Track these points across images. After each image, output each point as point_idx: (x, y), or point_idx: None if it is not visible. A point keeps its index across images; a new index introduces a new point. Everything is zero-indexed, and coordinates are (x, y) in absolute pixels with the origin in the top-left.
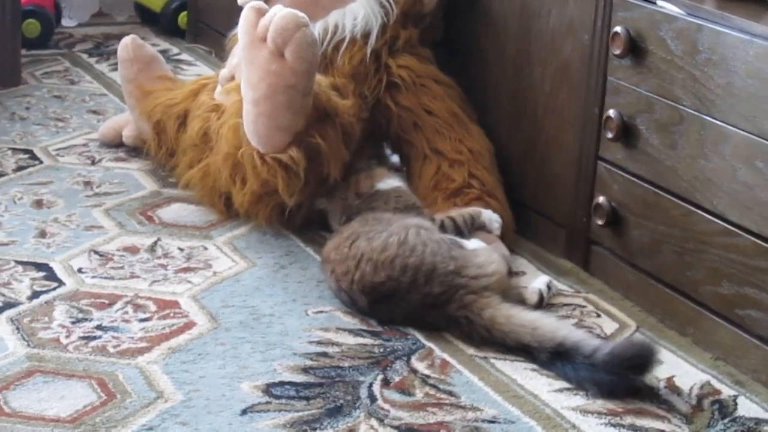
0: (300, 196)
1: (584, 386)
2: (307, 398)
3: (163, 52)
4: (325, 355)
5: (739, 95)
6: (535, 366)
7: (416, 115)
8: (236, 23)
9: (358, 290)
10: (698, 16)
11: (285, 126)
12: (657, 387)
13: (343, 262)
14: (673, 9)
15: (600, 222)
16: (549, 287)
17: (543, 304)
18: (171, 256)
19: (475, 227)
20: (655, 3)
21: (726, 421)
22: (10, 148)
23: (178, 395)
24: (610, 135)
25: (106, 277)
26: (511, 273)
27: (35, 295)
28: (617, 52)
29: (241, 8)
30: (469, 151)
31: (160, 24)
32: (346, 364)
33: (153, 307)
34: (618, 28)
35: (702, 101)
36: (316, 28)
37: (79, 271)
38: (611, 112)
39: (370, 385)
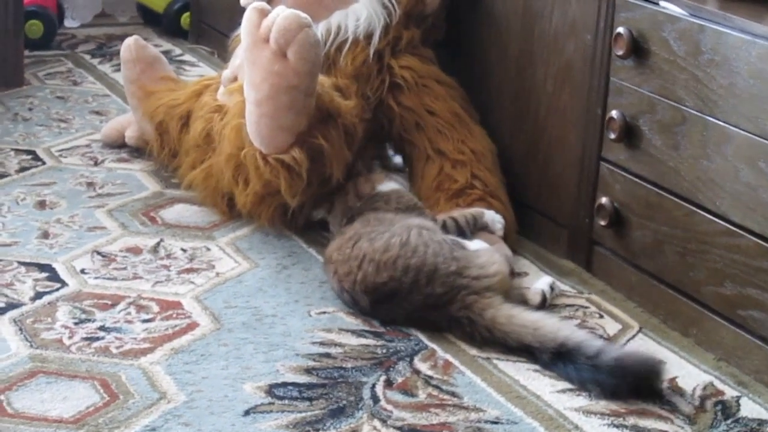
0: (302, 196)
1: (587, 387)
2: (310, 399)
3: (166, 52)
4: (327, 356)
5: (741, 96)
6: (537, 367)
7: (418, 116)
8: (239, 24)
9: (360, 291)
10: (701, 16)
11: (287, 127)
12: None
13: (346, 263)
14: (675, 10)
15: (602, 223)
16: (552, 288)
17: (546, 305)
18: (174, 257)
19: (477, 228)
20: (657, 4)
21: (729, 421)
22: (13, 149)
23: (181, 396)
24: (612, 135)
25: (108, 278)
26: (514, 274)
27: (38, 296)
28: (620, 52)
29: (243, 9)
30: (471, 152)
31: (163, 25)
32: (349, 365)
33: (156, 308)
34: (621, 29)
35: (704, 102)
36: (319, 29)
37: (82, 271)
38: (614, 113)
39: (373, 385)
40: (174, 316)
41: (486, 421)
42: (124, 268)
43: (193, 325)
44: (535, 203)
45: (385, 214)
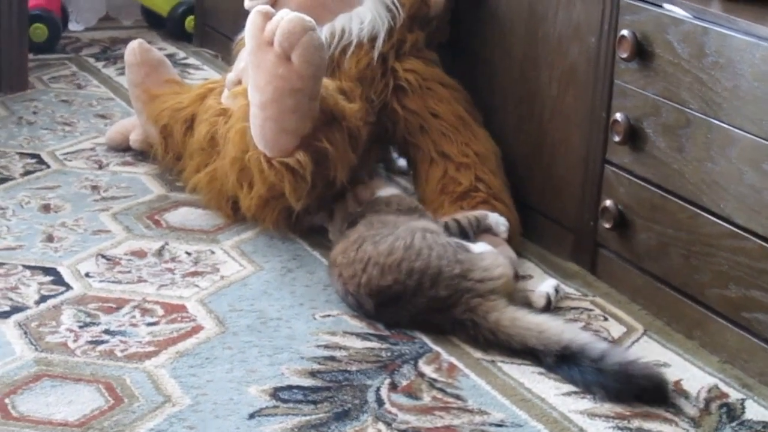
0: (307, 199)
1: (591, 390)
2: (314, 402)
3: (170, 56)
4: (332, 359)
5: (745, 98)
6: (542, 369)
7: (422, 119)
8: (243, 27)
9: (364, 293)
10: (705, 19)
11: (292, 130)
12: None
13: (350, 266)
14: (679, 12)
15: (607, 225)
16: (557, 291)
17: (550, 307)
18: (178, 260)
19: (480, 230)
20: (661, 6)
21: (734, 424)
22: (17, 153)
23: (186, 399)
24: (616, 138)
25: (113, 282)
26: (518, 276)
27: (43, 299)
28: (624, 55)
29: (247, 12)
30: (475, 155)
31: (167, 28)
32: (354, 368)
33: (160, 311)
34: (625, 32)
35: (709, 104)
36: (323, 32)
37: (87, 275)
38: (618, 116)
39: (378, 388)
40: (179, 319)
41: (490, 424)
42: (129, 272)
43: (197, 329)
44: (540, 206)
45: (388, 216)
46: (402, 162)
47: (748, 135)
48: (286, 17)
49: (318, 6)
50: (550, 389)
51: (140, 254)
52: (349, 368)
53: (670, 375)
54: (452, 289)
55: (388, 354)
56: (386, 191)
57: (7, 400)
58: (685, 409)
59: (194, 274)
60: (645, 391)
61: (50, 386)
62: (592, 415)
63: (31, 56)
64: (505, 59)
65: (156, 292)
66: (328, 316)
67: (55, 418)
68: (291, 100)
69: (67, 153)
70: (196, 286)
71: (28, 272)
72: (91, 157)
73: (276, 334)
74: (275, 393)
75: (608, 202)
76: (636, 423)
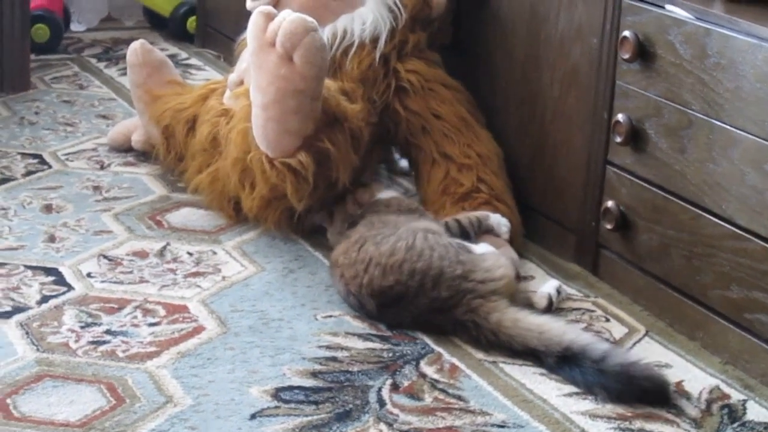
0: (309, 200)
1: (592, 390)
2: (316, 403)
3: (172, 56)
4: (334, 359)
5: (747, 99)
6: (543, 370)
7: (424, 120)
8: (245, 28)
9: (366, 294)
10: (707, 20)
11: (294, 130)
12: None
13: (352, 266)
14: (681, 13)
15: (609, 226)
16: (559, 291)
17: (552, 308)
18: (180, 261)
19: (482, 230)
20: (663, 7)
21: (735, 425)
22: (19, 153)
23: (188, 400)
24: (618, 139)
25: (115, 282)
26: (520, 277)
27: (44, 299)
28: (626, 56)
29: (249, 13)
30: (477, 156)
31: (169, 28)
32: (355, 369)
33: (162, 312)
34: (627, 33)
35: (711, 105)
36: (325, 33)
37: (88, 275)
38: (620, 117)
39: (379, 389)
40: (180, 319)
41: (492, 425)
42: (131, 272)
43: (199, 329)
44: (541, 207)
45: (388, 216)
46: (404, 163)
47: (750, 136)
48: (288, 18)
49: (320, 7)
50: (551, 390)
51: (142, 255)
52: (350, 369)
53: (672, 376)
54: (454, 290)
55: (390, 355)
56: (386, 194)
57: (8, 401)
58: (687, 410)
59: (196, 274)
60: (646, 392)
61: (52, 386)
62: (594, 416)
63: (33, 56)
64: (507, 60)
65: (158, 293)
66: (330, 316)
67: (56, 418)
68: (293, 101)
69: (69, 153)
70: (198, 286)
71: (29, 272)
72: (92, 158)
73: (278, 335)
74: (277, 393)
75: (610, 203)
76: (637, 424)
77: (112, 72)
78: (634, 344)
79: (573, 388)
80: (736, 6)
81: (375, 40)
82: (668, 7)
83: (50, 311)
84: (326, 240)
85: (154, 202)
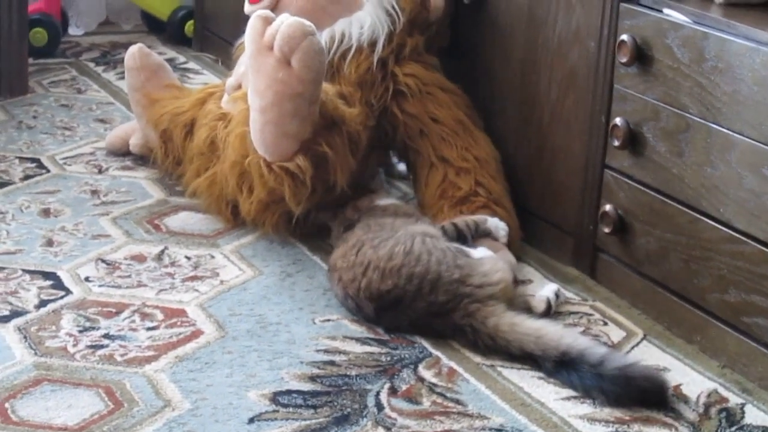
0: (307, 204)
1: (591, 394)
2: (314, 407)
3: (170, 60)
4: (332, 363)
5: (745, 103)
6: (542, 374)
7: (422, 123)
8: (243, 32)
9: (364, 297)
10: (704, 24)
11: (292, 134)
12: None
13: (350, 270)
14: (679, 17)
15: (607, 230)
16: (557, 295)
17: (550, 312)
18: (178, 265)
19: (479, 234)
20: (661, 11)
21: (733, 429)
22: (17, 157)
23: (186, 404)
24: (616, 143)
25: (113, 286)
26: (517, 281)
27: (42, 303)
28: (624, 60)
29: (247, 17)
30: (475, 159)
31: (167, 32)
32: (354, 373)
33: (160, 316)
34: (624, 36)
35: (708, 109)
36: (323, 37)
37: (87, 279)
38: (618, 120)
39: (378, 393)
40: (178, 323)
41: (490, 429)
42: (129, 276)
43: (197, 333)
44: (540, 210)
45: (384, 218)
46: (402, 166)
47: (748, 139)
48: (286, 22)
49: (318, 10)
50: (549, 394)
51: (140, 259)
52: (348, 373)
53: (670, 380)
54: (451, 294)
55: (388, 358)
56: (385, 201)
57: (6, 405)
58: (685, 413)
59: (194, 278)
60: (645, 392)
61: (50, 390)
62: (592, 419)
63: (31, 60)
64: (505, 64)
65: (156, 297)
66: (328, 320)
67: (54, 422)
68: (291, 105)
69: (67, 157)
70: (196, 290)
71: (27, 276)
72: (90, 162)
73: (276, 339)
74: (275, 397)
75: (608, 207)
76: (636, 427)
77: (110, 76)
78: (632, 348)
79: (571, 392)
80: (734, 10)
81: (373, 44)
82: (666, 10)
83: (48, 315)
84: (324, 244)
85: (152, 206)
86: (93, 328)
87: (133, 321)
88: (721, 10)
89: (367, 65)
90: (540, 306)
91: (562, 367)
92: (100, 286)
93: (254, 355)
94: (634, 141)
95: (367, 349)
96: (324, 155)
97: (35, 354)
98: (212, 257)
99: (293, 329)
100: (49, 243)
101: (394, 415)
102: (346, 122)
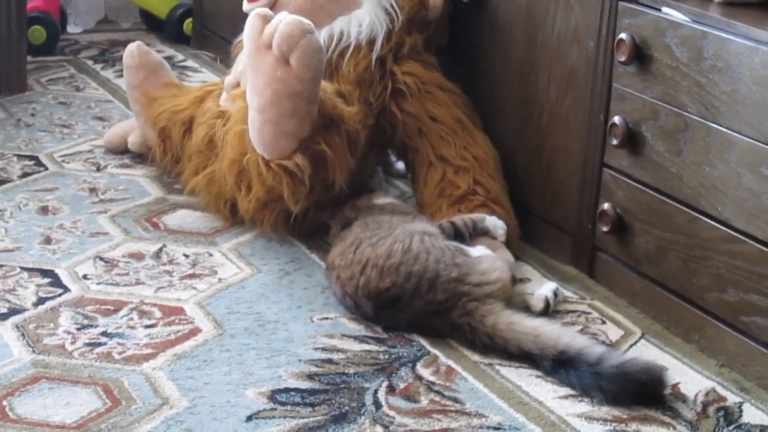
0: (305, 202)
1: (589, 393)
2: (312, 405)
3: (169, 58)
4: (330, 361)
5: (744, 102)
6: (539, 373)
7: (421, 122)
8: (241, 30)
9: (363, 295)
10: (703, 23)
11: (290, 132)
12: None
13: (348, 268)
14: (678, 16)
15: (605, 229)
16: (556, 294)
17: (549, 311)
18: (176, 263)
19: (476, 232)
20: (660, 10)
21: (731, 428)
22: (15, 155)
23: (183, 402)
24: (615, 142)
25: (111, 284)
26: (515, 280)
27: (40, 301)
28: (622, 59)
29: (246, 15)
30: (474, 158)
31: (166, 30)
32: (351, 371)
33: (158, 314)
34: (623, 35)
35: (707, 108)
36: (322, 35)
37: (85, 277)
38: (616, 119)
39: (375, 391)
40: (176, 321)
41: (488, 428)
42: (127, 274)
43: (195, 331)
44: (538, 209)
45: (382, 216)
46: (400, 165)
47: (747, 139)
48: (284, 20)
49: (316, 9)
50: (547, 392)
51: (138, 256)
52: (346, 371)
53: (668, 379)
54: (449, 292)
55: (386, 357)
56: (383, 200)
57: (4, 402)
58: (683, 412)
59: (192, 276)
60: (643, 385)
61: (48, 388)
62: (590, 418)
63: (29, 58)
64: (504, 63)
65: (154, 295)
66: (326, 318)
67: (52, 420)
68: (289, 103)
69: (66, 155)
70: (194, 288)
71: (25, 274)
72: (89, 160)
73: (274, 337)
74: (273, 395)
75: (606, 206)
76: (633, 426)
77: (108, 74)
78: (630, 347)
79: (569, 391)
80: (733, 9)
81: (371, 43)
82: (665, 9)
83: (46, 313)
84: (323, 242)
85: (151, 204)
86: (91, 326)
87: (131, 319)
88: (720, 9)
89: (365, 64)
90: (538, 305)
91: (560, 365)
92: (98, 283)
93: (252, 353)
94: (632, 140)
95: (365, 347)
96: (322, 154)
97: (33, 351)
98: (210, 255)
99: (291, 327)
100: (48, 240)
101: (392, 413)
102: (344, 121)
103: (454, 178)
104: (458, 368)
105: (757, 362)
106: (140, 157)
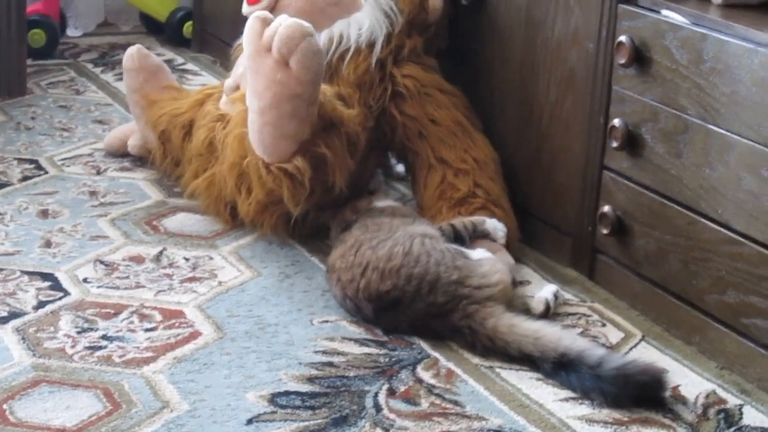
0: (305, 205)
1: (589, 396)
2: (312, 408)
3: (169, 61)
4: (330, 364)
5: (743, 104)
6: (540, 375)
7: (421, 125)
8: (241, 33)
9: (363, 298)
10: (703, 25)
11: (290, 135)
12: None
13: (349, 270)
14: (677, 18)
15: (605, 231)
16: (556, 296)
17: (549, 313)
18: (176, 266)
19: (477, 235)
20: (659, 12)
21: (732, 430)
22: (15, 158)
23: (184, 405)
24: (615, 144)
25: (111, 287)
26: (516, 283)
27: (41, 305)
28: (622, 61)
29: (246, 18)
30: (474, 161)
31: (166, 33)
32: (352, 374)
33: (158, 317)
34: (623, 38)
35: (707, 110)
36: (322, 38)
37: (85, 280)
38: (616, 122)
39: (376, 394)
40: (177, 325)
41: (489, 430)
42: (127, 277)
43: (195, 334)
44: (538, 212)
45: (382, 218)
46: (400, 168)
47: (746, 141)
48: (284, 23)
49: (316, 12)
50: (548, 395)
51: (138, 260)
52: (347, 374)
53: (669, 381)
54: (450, 295)
55: (387, 360)
56: (383, 202)
57: (5, 406)
58: (683, 414)
59: (192, 279)
60: (644, 387)
61: (48, 392)
62: (591, 420)
63: (29, 61)
64: (504, 65)
65: (154, 298)
66: (326, 321)
67: (53, 423)
68: (289, 106)
69: (65, 158)
70: (194, 291)
71: (26, 278)
72: (89, 163)
73: (274, 340)
74: (273, 399)
75: (606, 208)
76: (634, 429)
77: (108, 77)
78: (631, 349)
79: (569, 393)
80: (732, 11)
81: (371, 45)
82: (664, 12)
83: (46, 316)
84: (323, 245)
85: (151, 207)
86: (91, 329)
87: (132, 322)
88: (719, 11)
89: (365, 66)
90: (539, 307)
91: (560, 368)
92: (98, 287)
93: (252, 357)
94: (632, 142)
95: (366, 350)
96: (322, 156)
97: (33, 355)
98: (211, 258)
99: (292, 330)
100: (48, 244)
101: (392, 416)
102: (344, 123)
103: (454, 180)
104: (459, 371)
105: (758, 364)
106: (140, 160)
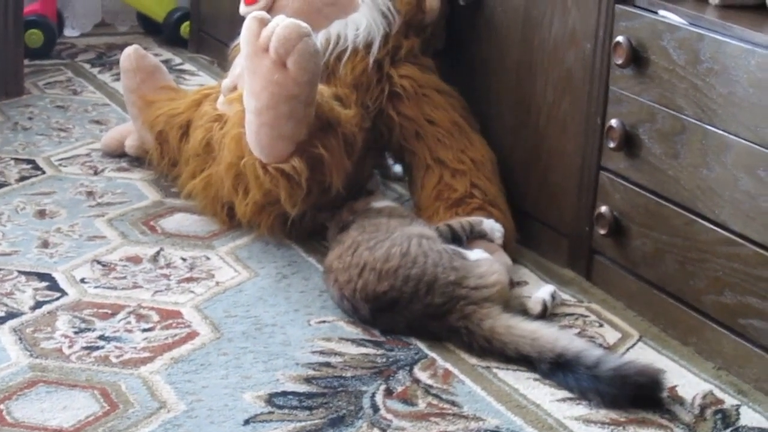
0: (302, 205)
1: (587, 396)
2: (309, 408)
3: (166, 62)
4: (327, 365)
5: (740, 104)
6: (537, 376)
7: (418, 125)
8: (239, 33)
9: (360, 299)
10: (700, 25)
11: (287, 136)
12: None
13: (346, 271)
14: (675, 19)
15: (602, 231)
16: (553, 297)
17: (546, 314)
18: (174, 266)
19: (474, 235)
20: (657, 13)
21: (729, 430)
22: (12, 158)
23: (181, 405)
24: (612, 144)
25: (108, 287)
26: (513, 283)
27: (38, 305)
28: (619, 61)
29: (243, 18)
30: (471, 161)
31: (163, 34)
32: (349, 374)
33: (156, 317)
34: (620, 38)
35: (704, 111)
36: (319, 38)
37: (82, 281)
38: (613, 122)
39: (373, 395)
40: (174, 325)
41: (486, 430)
42: (124, 278)
43: (193, 335)
44: (535, 212)
45: (379, 219)
46: (397, 168)
47: (744, 141)
48: (281, 23)
49: (313, 12)
50: (545, 395)
51: (135, 260)
52: (344, 374)
53: (666, 381)
54: (447, 296)
55: (384, 360)
56: (380, 203)
57: (2, 406)
58: (680, 415)
59: (189, 280)
60: (641, 388)
61: (45, 392)
62: (588, 421)
63: (26, 62)
64: (501, 65)
65: (151, 298)
66: (324, 322)
67: (50, 424)
68: (286, 107)
69: (63, 159)
70: (192, 292)
71: (23, 278)
72: (86, 163)
73: (271, 341)
74: (270, 399)
75: (603, 209)
76: (631, 429)
77: (105, 77)
78: (628, 349)
79: (567, 394)
80: (729, 12)
81: (368, 46)
82: (662, 12)
83: (44, 317)
84: (320, 246)
85: (148, 207)
86: (88, 330)
87: (129, 322)
88: (716, 12)
89: (362, 67)
90: (536, 308)
91: (557, 368)
92: (95, 287)
93: (250, 357)
94: (629, 143)
95: (363, 350)
96: (319, 157)
97: (30, 355)
98: (208, 259)
99: (289, 331)
100: (45, 244)
101: (389, 416)
102: (341, 124)
103: (451, 181)
104: (456, 371)
105: (755, 365)
106: (137, 160)
